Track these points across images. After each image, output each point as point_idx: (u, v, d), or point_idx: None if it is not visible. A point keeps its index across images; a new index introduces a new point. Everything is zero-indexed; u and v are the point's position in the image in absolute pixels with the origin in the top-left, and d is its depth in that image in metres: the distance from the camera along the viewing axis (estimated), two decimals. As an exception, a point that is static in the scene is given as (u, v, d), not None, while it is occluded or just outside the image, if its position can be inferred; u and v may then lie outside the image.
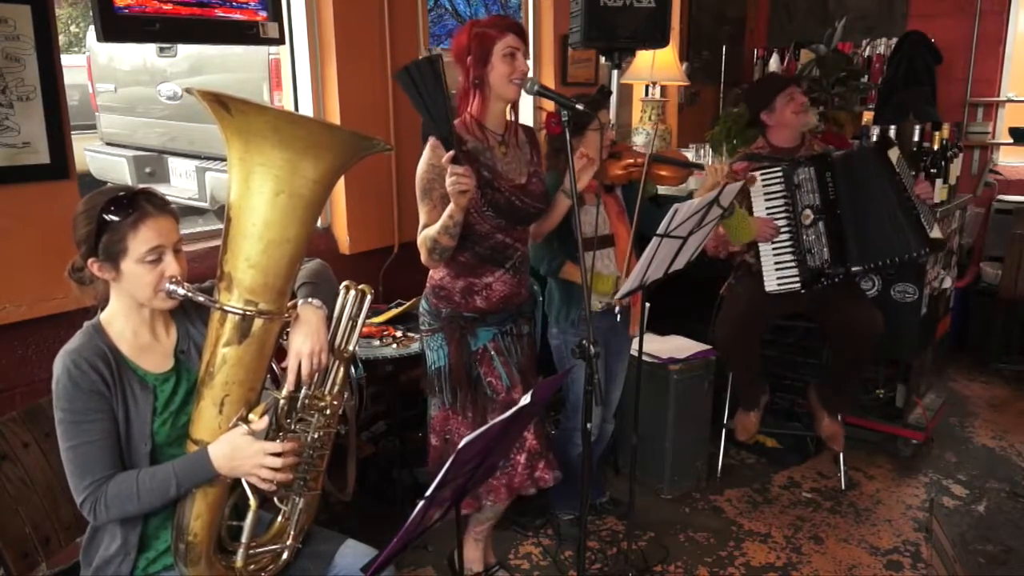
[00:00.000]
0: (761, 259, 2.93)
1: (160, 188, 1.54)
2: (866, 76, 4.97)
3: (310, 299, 1.54)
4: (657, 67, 3.96)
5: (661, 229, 1.98)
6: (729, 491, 3.13)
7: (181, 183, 4.94)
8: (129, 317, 1.49)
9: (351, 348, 1.59)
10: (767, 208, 2.91)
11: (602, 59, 3.63)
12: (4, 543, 1.56)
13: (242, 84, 4.18)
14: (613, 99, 3.13)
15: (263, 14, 2.70)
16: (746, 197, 2.90)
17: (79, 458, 1.42)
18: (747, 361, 3.05)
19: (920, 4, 5.02)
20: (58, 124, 2.23)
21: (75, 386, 1.40)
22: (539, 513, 2.84)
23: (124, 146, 5.32)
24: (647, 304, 2.57)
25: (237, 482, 1.48)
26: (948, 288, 3.54)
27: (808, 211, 2.87)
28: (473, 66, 2.02)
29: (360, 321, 1.60)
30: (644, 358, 2.67)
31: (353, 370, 2.49)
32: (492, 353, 2.19)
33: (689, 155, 3.81)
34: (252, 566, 1.56)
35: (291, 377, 1.48)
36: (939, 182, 3.29)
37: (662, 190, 3.18)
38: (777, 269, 2.91)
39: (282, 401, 1.50)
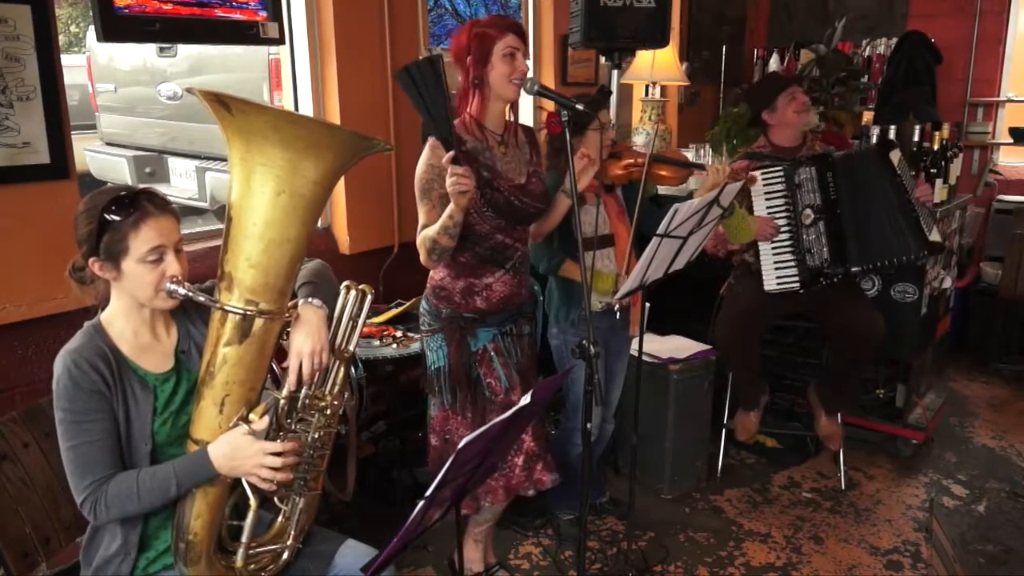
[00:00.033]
0: (760, 258, 2.93)
1: (160, 188, 1.54)
2: (866, 76, 4.97)
3: (311, 299, 1.54)
4: (657, 67, 3.96)
5: (661, 229, 1.98)
6: (729, 491, 3.13)
7: (181, 183, 4.94)
8: (130, 317, 1.49)
9: (351, 348, 1.60)
10: (767, 207, 2.91)
11: (602, 59, 3.63)
12: (4, 543, 1.56)
13: (242, 84, 4.18)
14: (613, 99, 3.13)
15: (263, 14, 2.70)
16: (747, 196, 2.90)
17: (79, 458, 1.42)
18: (747, 361, 3.05)
19: (920, 4, 5.02)
20: (58, 124, 2.23)
21: (75, 386, 1.40)
22: (539, 513, 2.84)
23: (124, 146, 5.32)
24: (647, 304, 2.57)
25: (237, 482, 1.48)
26: (948, 288, 3.55)
27: (808, 211, 2.87)
28: (473, 66, 2.02)
29: (361, 321, 1.60)
30: (644, 358, 2.67)
31: (353, 370, 2.48)
32: (492, 354, 2.19)
33: (689, 155, 3.81)
34: (252, 566, 1.56)
35: (292, 376, 1.48)
36: (939, 182, 3.29)
37: (662, 190, 3.18)
38: (776, 268, 2.91)
39: (282, 401, 1.50)
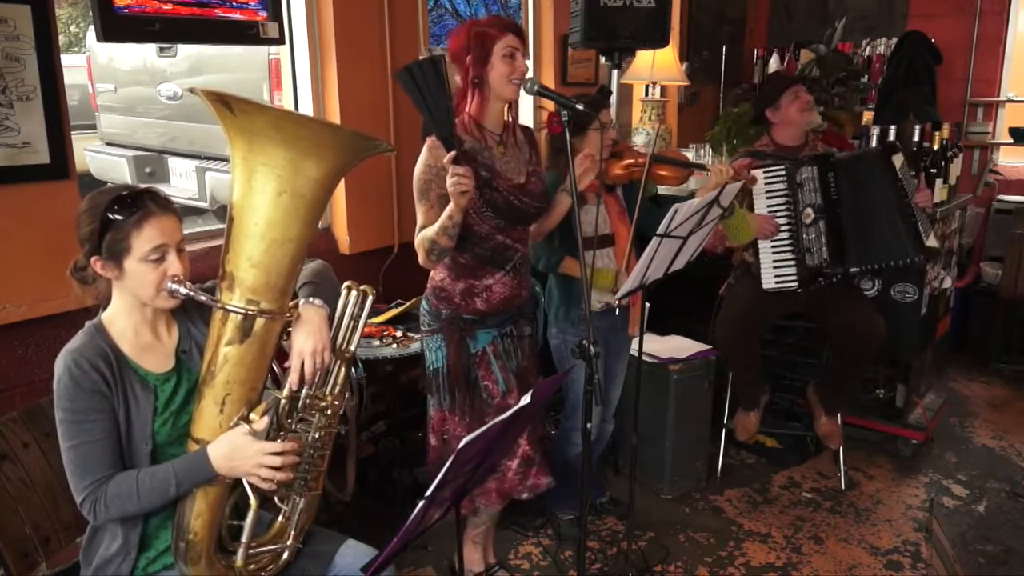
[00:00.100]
0: (760, 256, 2.93)
1: (160, 188, 1.54)
2: (866, 76, 4.98)
3: (312, 299, 1.54)
4: (657, 67, 3.96)
5: (661, 229, 1.98)
6: (729, 491, 3.14)
7: (181, 183, 4.94)
8: (131, 316, 1.49)
9: (352, 348, 1.59)
10: (768, 206, 2.91)
11: (602, 59, 3.63)
12: (4, 543, 1.56)
13: (242, 84, 4.18)
14: (613, 99, 3.13)
15: (263, 14, 2.70)
16: (748, 195, 2.90)
17: (79, 458, 1.42)
18: (747, 361, 3.05)
19: (920, 4, 5.02)
20: (58, 124, 2.23)
21: (76, 386, 1.40)
22: (539, 513, 2.84)
23: (124, 146, 5.33)
24: (647, 304, 2.57)
25: (238, 481, 1.48)
26: (948, 288, 3.55)
27: (809, 210, 2.88)
28: (472, 66, 2.02)
29: (362, 321, 1.60)
30: (644, 358, 2.67)
31: (353, 370, 2.48)
32: (491, 357, 2.19)
33: (689, 155, 3.81)
34: (252, 566, 1.56)
35: (294, 376, 1.47)
36: (939, 182, 3.29)
37: (662, 190, 3.18)
38: (775, 267, 2.91)
39: (283, 401, 1.50)
